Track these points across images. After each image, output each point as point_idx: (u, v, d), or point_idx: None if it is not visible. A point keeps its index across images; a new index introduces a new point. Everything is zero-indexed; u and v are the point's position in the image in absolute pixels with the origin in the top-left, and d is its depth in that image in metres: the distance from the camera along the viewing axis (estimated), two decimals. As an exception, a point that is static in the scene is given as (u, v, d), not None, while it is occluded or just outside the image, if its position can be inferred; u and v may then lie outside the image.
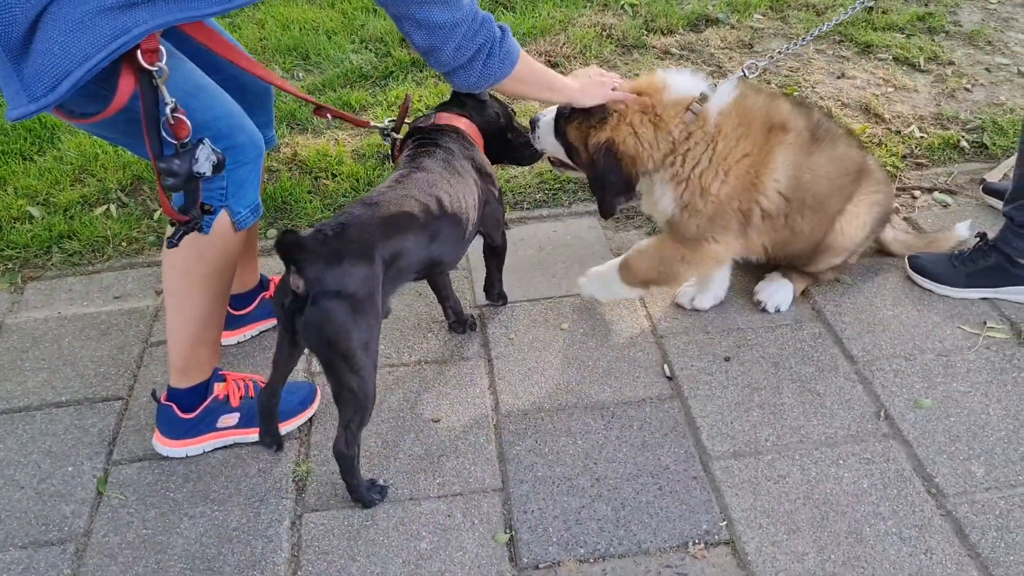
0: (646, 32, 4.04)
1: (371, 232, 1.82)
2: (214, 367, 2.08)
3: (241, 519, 1.96)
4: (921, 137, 3.24)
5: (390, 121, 2.27)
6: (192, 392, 2.05)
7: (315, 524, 1.94)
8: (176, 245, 1.72)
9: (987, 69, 3.73)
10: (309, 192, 3.06)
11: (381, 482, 2.00)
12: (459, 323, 2.44)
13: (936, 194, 2.97)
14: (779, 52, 2.55)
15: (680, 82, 2.25)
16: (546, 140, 2.37)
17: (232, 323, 2.37)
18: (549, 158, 2.47)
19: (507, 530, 1.90)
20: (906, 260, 2.58)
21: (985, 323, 2.40)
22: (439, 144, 2.13)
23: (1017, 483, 1.95)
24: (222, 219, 1.89)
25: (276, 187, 3.05)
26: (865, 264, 2.64)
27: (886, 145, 3.18)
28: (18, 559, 1.89)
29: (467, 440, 2.12)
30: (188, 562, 1.87)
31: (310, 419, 2.18)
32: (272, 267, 2.66)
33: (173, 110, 1.58)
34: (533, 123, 2.39)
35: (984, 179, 2.96)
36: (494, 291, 2.51)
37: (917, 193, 2.98)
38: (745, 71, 2.32)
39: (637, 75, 2.47)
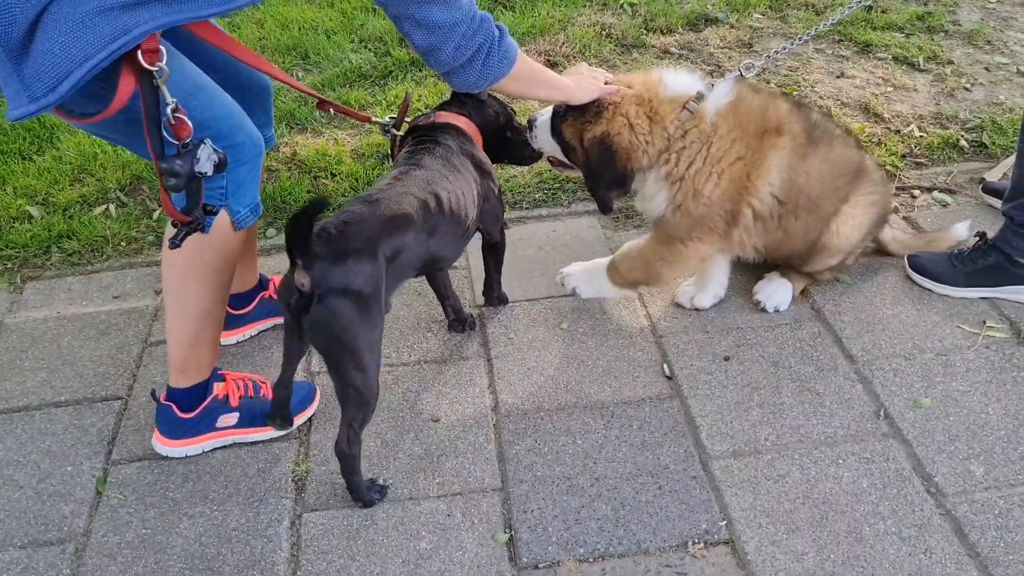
0: (645, 31, 4.04)
1: (373, 229, 1.82)
2: (213, 367, 2.08)
3: (240, 519, 1.96)
4: (920, 136, 3.24)
5: (391, 118, 2.27)
6: (191, 392, 2.05)
7: (314, 524, 1.94)
8: (179, 246, 1.72)
9: (986, 68, 3.73)
10: (308, 192, 3.06)
11: (381, 482, 2.00)
12: (459, 321, 2.44)
13: (935, 193, 2.97)
14: (776, 52, 2.55)
15: (677, 80, 2.26)
16: (543, 139, 2.38)
17: (231, 323, 2.37)
18: (548, 158, 2.48)
19: (507, 530, 1.90)
20: (905, 259, 2.58)
21: (985, 322, 2.40)
22: (438, 142, 2.13)
23: (1016, 482, 1.95)
24: (222, 218, 1.88)
25: (275, 187, 3.05)
26: (864, 263, 2.64)
27: (885, 144, 3.18)
28: (17, 559, 1.89)
29: (466, 440, 2.12)
30: (187, 562, 1.87)
31: (309, 419, 2.18)
32: (272, 267, 2.66)
33: (174, 110, 1.58)
34: (531, 123, 2.40)
35: (984, 178, 2.96)
36: (493, 294, 2.51)
37: (916, 192, 2.98)
38: (742, 71, 2.32)
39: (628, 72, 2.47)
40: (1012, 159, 3.03)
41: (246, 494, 2.01)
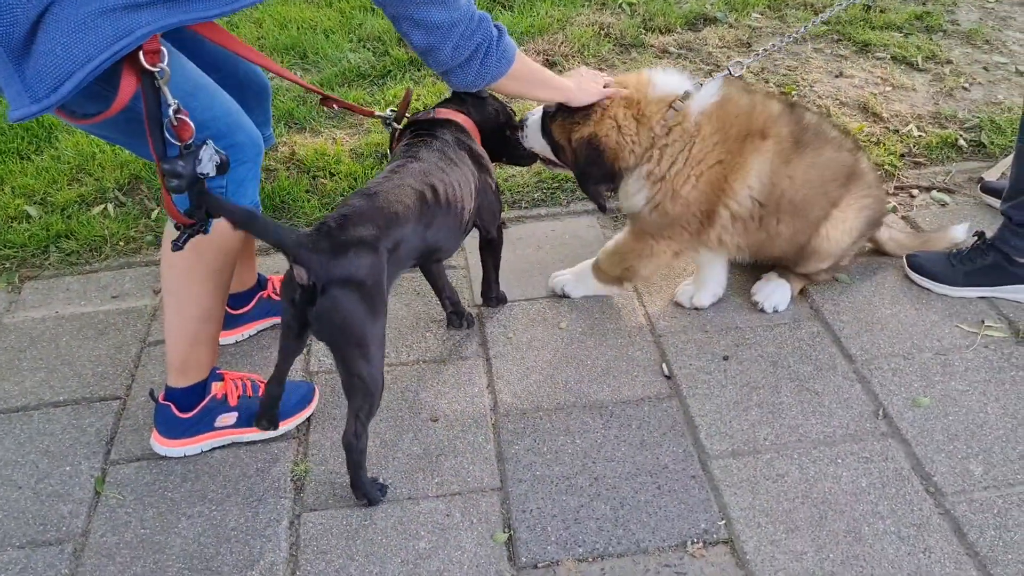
0: (644, 31, 4.04)
1: (373, 222, 1.84)
2: (212, 366, 2.08)
3: (239, 519, 1.95)
4: (919, 136, 3.24)
5: (391, 110, 2.29)
6: (190, 391, 2.04)
7: (313, 524, 1.93)
8: (182, 248, 1.72)
9: (985, 68, 3.73)
10: (307, 191, 3.05)
11: (380, 482, 2.00)
12: (457, 315, 2.44)
13: (934, 193, 2.97)
14: (764, 50, 2.56)
15: (665, 80, 2.28)
16: (533, 139, 2.40)
17: (230, 322, 2.37)
18: (539, 156, 2.49)
19: (506, 529, 1.90)
20: (904, 259, 2.58)
21: (983, 322, 2.40)
22: (435, 135, 2.15)
23: (1015, 482, 1.95)
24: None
25: (274, 186, 3.05)
26: (863, 263, 2.64)
27: (884, 144, 3.18)
28: (16, 559, 1.89)
29: (465, 439, 2.12)
30: (186, 562, 1.86)
31: (308, 419, 2.18)
32: (270, 266, 2.66)
33: (176, 111, 1.58)
34: (521, 123, 2.42)
35: (982, 178, 2.97)
36: (492, 293, 2.51)
37: (915, 192, 2.99)
38: (731, 69, 2.33)
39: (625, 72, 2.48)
40: (1010, 158, 3.03)
41: (245, 494, 2.01)
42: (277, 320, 2.40)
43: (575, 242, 2.81)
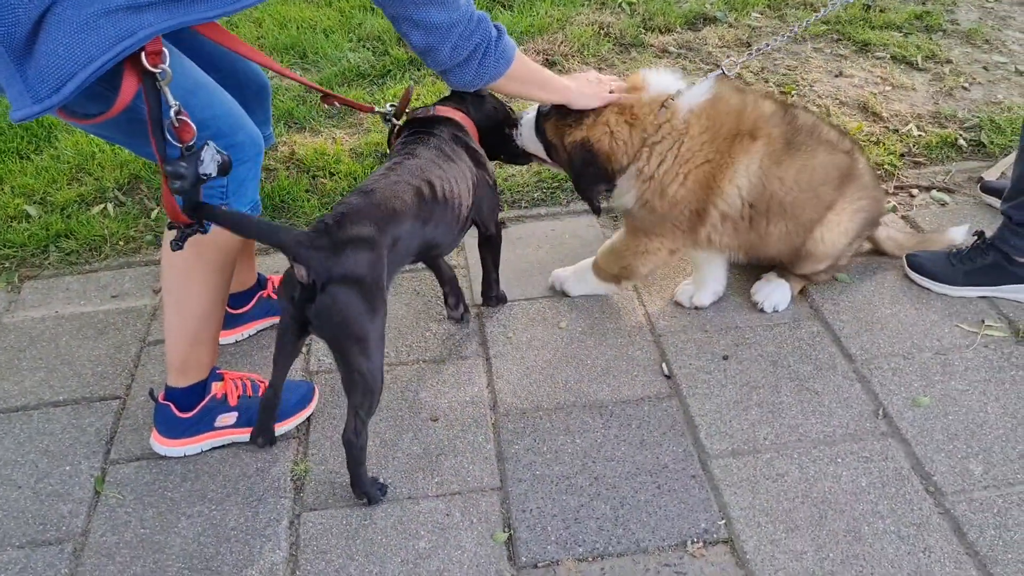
0: (644, 31, 4.04)
1: (370, 219, 1.85)
2: (212, 366, 2.08)
3: (239, 518, 1.95)
4: (919, 135, 3.24)
5: (391, 106, 2.29)
6: (190, 391, 2.04)
7: (313, 523, 1.93)
8: (181, 247, 1.73)
9: (984, 68, 3.73)
10: (307, 191, 3.05)
11: (380, 481, 2.00)
12: (457, 302, 2.45)
13: (934, 192, 2.97)
14: (757, 49, 2.57)
15: (658, 80, 2.28)
16: (527, 137, 2.41)
17: (230, 322, 2.37)
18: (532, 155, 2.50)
19: (506, 529, 1.90)
20: (904, 258, 2.58)
21: (983, 321, 2.40)
22: (432, 133, 2.17)
23: (1015, 481, 1.95)
24: None
25: (274, 186, 3.04)
26: (863, 263, 2.64)
27: (884, 144, 3.18)
28: (15, 559, 1.89)
29: (465, 439, 2.12)
30: (186, 561, 1.86)
31: (308, 418, 2.18)
32: (270, 266, 2.65)
33: (177, 113, 1.58)
34: (515, 121, 2.42)
35: (982, 177, 2.97)
36: (491, 293, 2.51)
37: (915, 191, 2.99)
38: (724, 69, 2.33)
39: (629, 73, 2.48)
40: (1010, 158, 3.04)
41: (245, 493, 2.01)
42: (277, 320, 2.40)
43: (575, 242, 2.81)
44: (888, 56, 3.79)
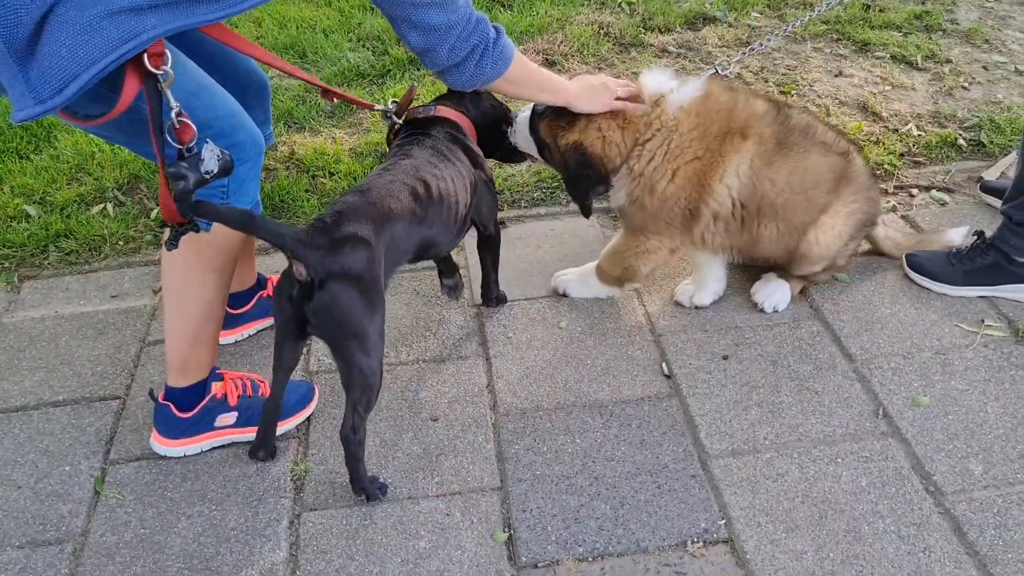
0: (644, 30, 4.04)
1: (367, 217, 1.86)
2: (212, 366, 2.08)
3: (239, 518, 1.95)
4: (919, 135, 3.24)
5: (394, 102, 2.30)
6: (190, 391, 2.04)
7: (313, 523, 1.93)
8: (175, 246, 1.73)
9: (984, 67, 3.73)
10: (307, 191, 3.05)
11: (380, 480, 2.00)
12: (452, 272, 2.45)
13: (934, 192, 2.97)
14: (751, 48, 2.57)
15: (651, 80, 2.29)
16: (521, 136, 2.41)
17: (229, 322, 2.36)
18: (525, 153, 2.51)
19: (506, 529, 1.90)
20: (904, 258, 2.58)
21: (983, 321, 2.40)
22: (428, 133, 2.18)
23: (1015, 481, 1.95)
24: None
25: (274, 186, 3.04)
26: (863, 263, 2.64)
27: (884, 143, 3.18)
28: (15, 559, 1.89)
29: (465, 439, 2.12)
30: (186, 561, 1.86)
31: (308, 418, 2.18)
32: (269, 266, 2.65)
33: (178, 114, 1.58)
34: (511, 119, 2.44)
35: (982, 177, 2.97)
36: (491, 293, 2.51)
37: (915, 191, 2.99)
38: (718, 68, 2.34)
39: (636, 74, 2.49)
40: (1010, 158, 3.04)
41: (245, 494, 2.01)
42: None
43: (575, 241, 2.81)
44: (888, 56, 3.79)
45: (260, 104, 2.15)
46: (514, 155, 2.51)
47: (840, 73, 3.68)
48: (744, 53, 2.59)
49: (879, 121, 3.33)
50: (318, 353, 2.40)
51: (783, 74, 3.68)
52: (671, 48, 3.90)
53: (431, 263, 2.45)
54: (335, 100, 2.19)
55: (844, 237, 2.40)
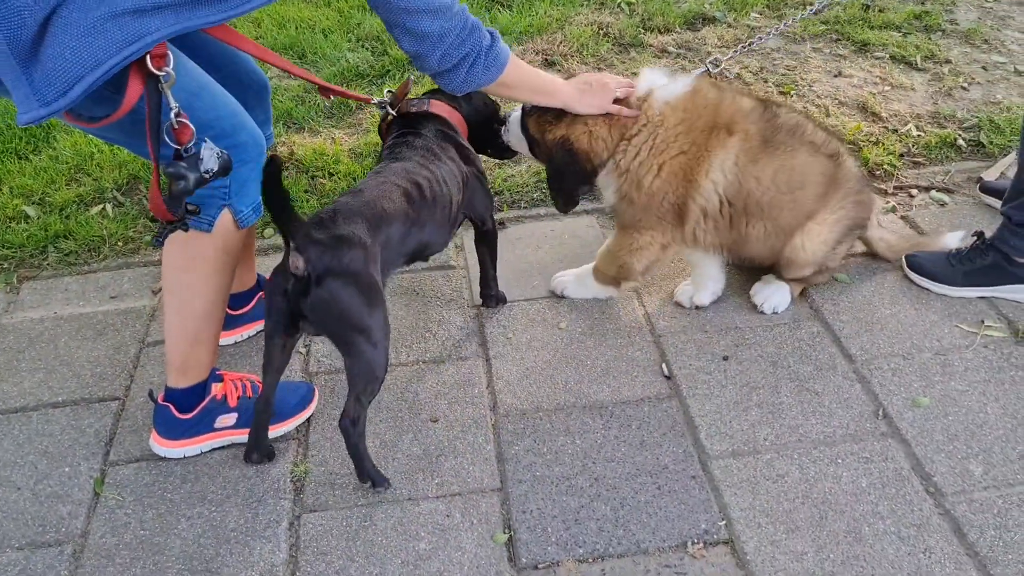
0: (643, 31, 4.04)
1: (362, 216, 1.87)
2: (212, 367, 2.07)
3: (239, 520, 1.95)
4: (918, 135, 3.24)
5: (389, 92, 2.32)
6: (190, 392, 2.04)
7: (313, 524, 1.93)
8: (161, 244, 1.74)
9: (984, 67, 3.73)
10: (306, 191, 3.05)
11: (383, 476, 2.00)
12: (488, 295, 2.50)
13: (933, 193, 2.97)
14: (742, 47, 2.57)
15: (644, 78, 2.31)
16: (513, 134, 2.43)
17: (229, 323, 2.36)
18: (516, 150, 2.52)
19: (506, 530, 1.90)
20: (903, 259, 2.58)
21: (983, 322, 2.40)
22: (419, 133, 2.20)
23: (1015, 482, 1.95)
24: (224, 218, 1.89)
25: (273, 186, 3.04)
26: (862, 263, 2.64)
27: (883, 144, 3.18)
28: (15, 560, 1.88)
29: (465, 440, 2.12)
30: (186, 563, 1.86)
31: (308, 419, 2.18)
32: (269, 266, 2.64)
33: (177, 115, 1.58)
34: (504, 117, 2.46)
35: (981, 178, 2.97)
36: (491, 293, 2.51)
37: (914, 192, 2.99)
38: (708, 66, 2.34)
39: (635, 74, 2.49)
40: (1009, 158, 3.05)
41: (244, 495, 2.01)
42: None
43: (574, 242, 2.81)
44: (887, 56, 3.79)
45: (260, 104, 2.15)
46: (505, 152, 2.54)
47: (839, 73, 3.68)
48: (735, 51, 2.59)
49: (878, 121, 3.33)
50: (318, 354, 2.39)
51: (783, 74, 3.68)
52: (671, 48, 3.90)
53: (431, 263, 2.45)
54: (332, 97, 2.20)
55: (831, 243, 2.39)
